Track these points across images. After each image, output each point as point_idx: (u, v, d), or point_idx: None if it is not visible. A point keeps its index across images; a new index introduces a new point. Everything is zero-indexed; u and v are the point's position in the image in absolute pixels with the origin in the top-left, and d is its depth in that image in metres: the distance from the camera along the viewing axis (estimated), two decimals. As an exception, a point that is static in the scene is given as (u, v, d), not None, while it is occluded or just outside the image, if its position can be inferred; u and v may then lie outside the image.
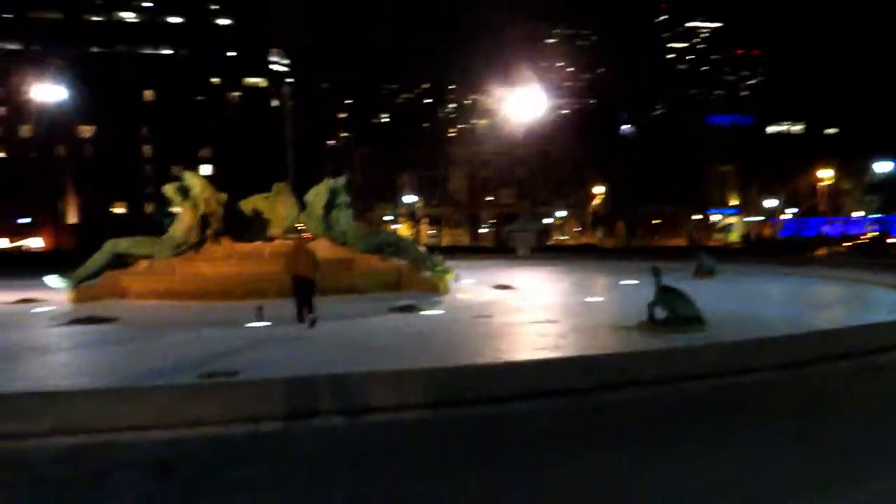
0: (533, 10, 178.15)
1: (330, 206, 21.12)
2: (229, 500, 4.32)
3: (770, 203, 74.05)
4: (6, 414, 5.16)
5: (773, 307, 15.84)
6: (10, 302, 19.35)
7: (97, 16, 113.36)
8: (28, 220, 79.72)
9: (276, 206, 22.27)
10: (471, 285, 21.57)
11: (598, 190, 73.45)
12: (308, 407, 5.47)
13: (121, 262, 20.02)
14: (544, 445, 5.35)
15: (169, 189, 20.77)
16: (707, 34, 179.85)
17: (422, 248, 21.63)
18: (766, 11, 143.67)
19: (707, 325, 10.89)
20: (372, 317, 14.32)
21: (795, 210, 74.43)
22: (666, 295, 11.23)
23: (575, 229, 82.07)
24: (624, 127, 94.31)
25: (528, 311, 14.94)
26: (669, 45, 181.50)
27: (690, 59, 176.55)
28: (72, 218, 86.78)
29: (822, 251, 41.22)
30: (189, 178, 20.65)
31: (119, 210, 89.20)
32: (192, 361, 9.42)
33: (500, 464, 4.91)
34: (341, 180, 21.47)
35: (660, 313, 11.17)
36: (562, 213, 79.67)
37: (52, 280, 18.36)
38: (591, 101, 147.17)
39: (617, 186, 71.08)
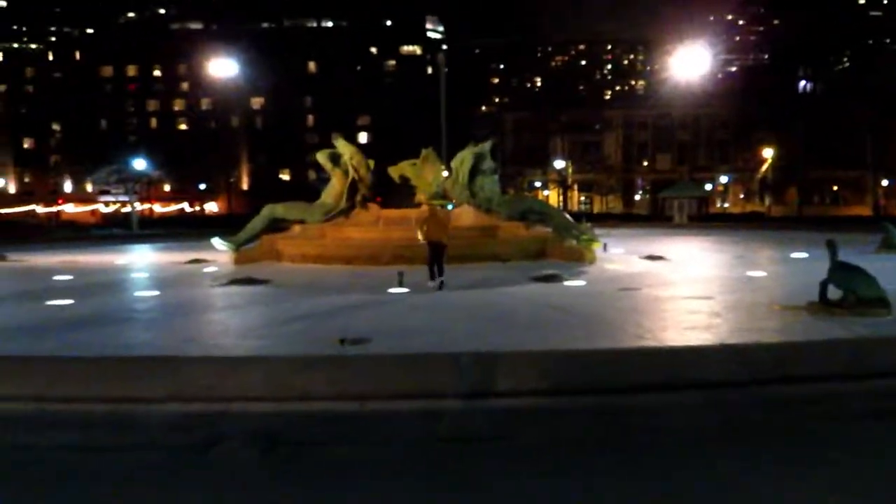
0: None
1: (475, 172, 20.87)
2: (327, 477, 4.19)
3: (979, 167, 64.26)
4: (131, 378, 5.37)
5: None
6: (183, 262, 21.13)
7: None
8: (206, 185, 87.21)
9: (422, 172, 22.40)
10: (619, 255, 20.56)
11: (768, 153, 67.24)
12: (418, 388, 5.19)
13: (277, 226, 21.12)
14: (674, 443, 4.72)
15: (320, 156, 21.49)
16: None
17: (568, 216, 20.86)
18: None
19: (892, 308, 9.39)
20: (512, 286, 13.95)
21: None
22: (842, 272, 9.78)
23: (739, 196, 76.45)
24: (802, 83, 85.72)
25: (680, 284, 13.87)
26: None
27: (887, 4, 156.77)
28: (244, 184, 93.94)
29: None
30: (339, 146, 21.21)
31: (285, 177, 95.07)
32: (330, 325, 9.55)
33: (615, 462, 4.37)
34: (486, 146, 21.12)
35: (834, 293, 9.81)
36: (725, 179, 74.41)
37: (217, 242, 19.70)
38: (764, 57, 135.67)
39: (791, 149, 64.68)
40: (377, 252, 18.21)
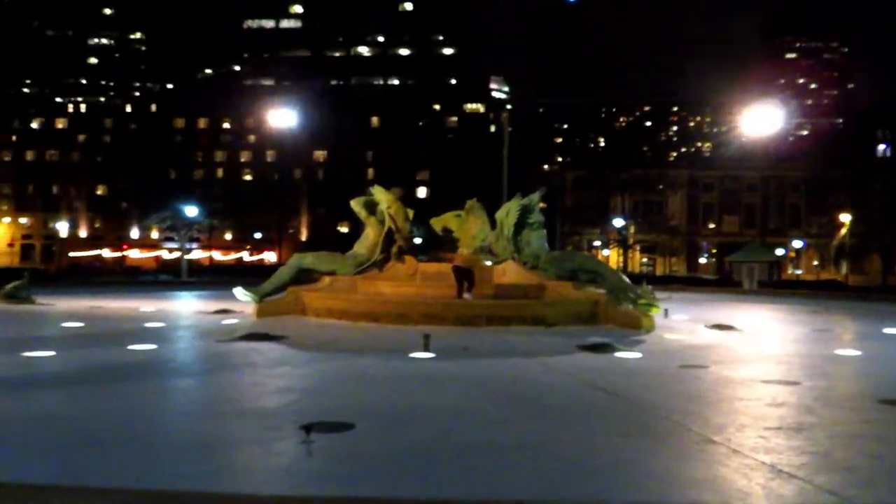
0: (772, 25, 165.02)
1: (521, 225, 19.09)
2: None
3: None
4: None
5: None
6: (209, 311, 19.92)
7: (338, 51, 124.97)
8: (264, 234, 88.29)
9: (466, 224, 20.83)
10: (682, 322, 18.24)
11: (845, 218, 62.90)
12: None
13: (307, 277, 19.67)
14: None
15: (355, 204, 20.14)
16: None
17: (624, 277, 18.71)
18: None
19: None
20: (554, 356, 11.97)
21: None
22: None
23: (813, 263, 72.01)
24: (881, 146, 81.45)
25: (755, 362, 11.60)
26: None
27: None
28: (303, 234, 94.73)
29: None
30: (376, 193, 19.85)
31: (343, 229, 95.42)
32: (318, 401, 8.03)
33: None
34: (535, 197, 19.33)
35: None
36: (798, 244, 70.22)
37: (239, 293, 18.34)
38: (838, 120, 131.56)
39: (869, 214, 60.40)
40: (408, 310, 16.47)
